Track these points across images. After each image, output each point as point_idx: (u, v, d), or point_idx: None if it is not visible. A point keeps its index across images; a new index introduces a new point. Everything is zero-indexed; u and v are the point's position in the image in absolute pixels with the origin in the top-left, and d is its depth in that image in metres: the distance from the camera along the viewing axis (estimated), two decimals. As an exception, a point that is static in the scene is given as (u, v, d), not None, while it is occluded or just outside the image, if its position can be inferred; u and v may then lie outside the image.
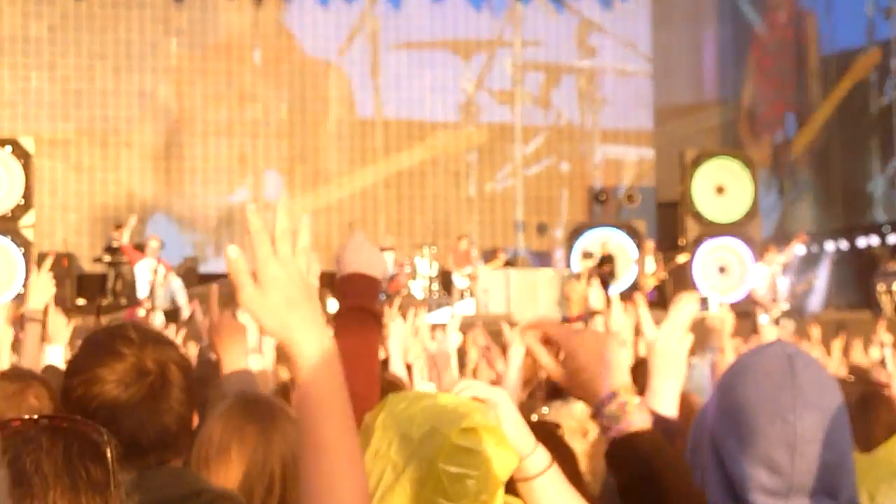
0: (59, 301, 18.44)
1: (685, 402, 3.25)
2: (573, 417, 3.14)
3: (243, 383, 3.11)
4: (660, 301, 21.13)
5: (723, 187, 21.89)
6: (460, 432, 1.86)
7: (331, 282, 2.49)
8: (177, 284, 18.24)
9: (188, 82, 25.12)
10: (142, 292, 18.53)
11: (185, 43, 25.17)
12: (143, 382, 2.16)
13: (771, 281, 18.10)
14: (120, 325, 2.24)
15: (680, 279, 20.69)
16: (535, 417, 3.11)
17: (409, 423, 1.90)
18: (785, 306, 17.57)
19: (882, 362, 8.44)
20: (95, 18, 24.77)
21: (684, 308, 4.18)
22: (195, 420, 2.28)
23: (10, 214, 19.83)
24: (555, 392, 4.44)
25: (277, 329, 1.60)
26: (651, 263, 20.88)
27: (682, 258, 21.24)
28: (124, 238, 20.20)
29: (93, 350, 2.18)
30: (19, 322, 4.98)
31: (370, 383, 2.36)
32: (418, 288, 21.40)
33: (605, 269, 20.28)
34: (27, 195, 19.95)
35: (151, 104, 24.87)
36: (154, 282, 17.83)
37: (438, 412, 1.92)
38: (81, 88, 24.60)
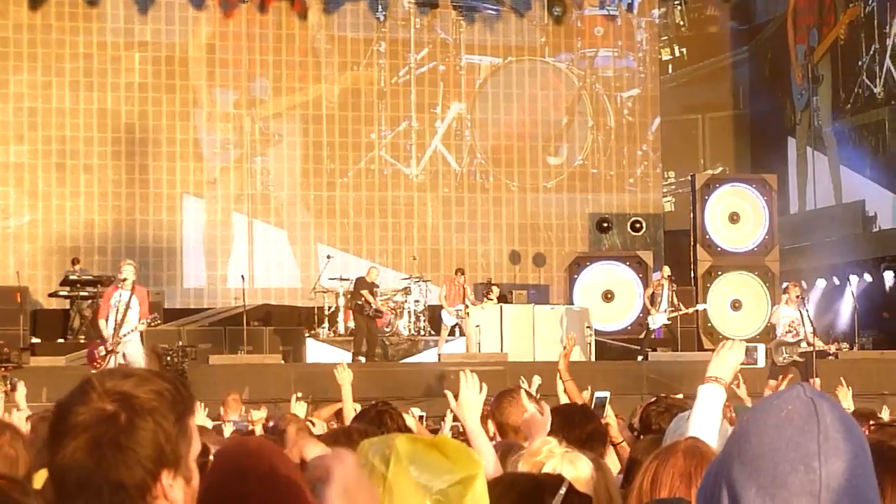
0: (13, 339, 18.35)
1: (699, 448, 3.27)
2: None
3: None
4: (669, 341, 20.99)
5: (737, 214, 21.89)
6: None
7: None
8: (135, 350, 15.80)
9: (153, 100, 25.09)
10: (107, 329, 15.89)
11: (149, 57, 25.14)
12: (111, 422, 2.08)
13: (792, 321, 17.27)
14: (115, 368, 2.22)
15: (687, 316, 20.55)
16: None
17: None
18: (805, 346, 16.98)
19: None
20: (52, 31, 24.73)
21: (729, 356, 4.14)
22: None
23: (-43, 244, 19.80)
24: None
25: None
26: (665, 297, 19.86)
27: (700, 306, 20.88)
28: None
29: (80, 386, 2.15)
30: None
31: None
32: (403, 325, 21.40)
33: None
34: (-24, 223, 19.92)
35: (113, 124, 24.80)
36: (119, 318, 15.40)
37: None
38: (36, 107, 24.55)
